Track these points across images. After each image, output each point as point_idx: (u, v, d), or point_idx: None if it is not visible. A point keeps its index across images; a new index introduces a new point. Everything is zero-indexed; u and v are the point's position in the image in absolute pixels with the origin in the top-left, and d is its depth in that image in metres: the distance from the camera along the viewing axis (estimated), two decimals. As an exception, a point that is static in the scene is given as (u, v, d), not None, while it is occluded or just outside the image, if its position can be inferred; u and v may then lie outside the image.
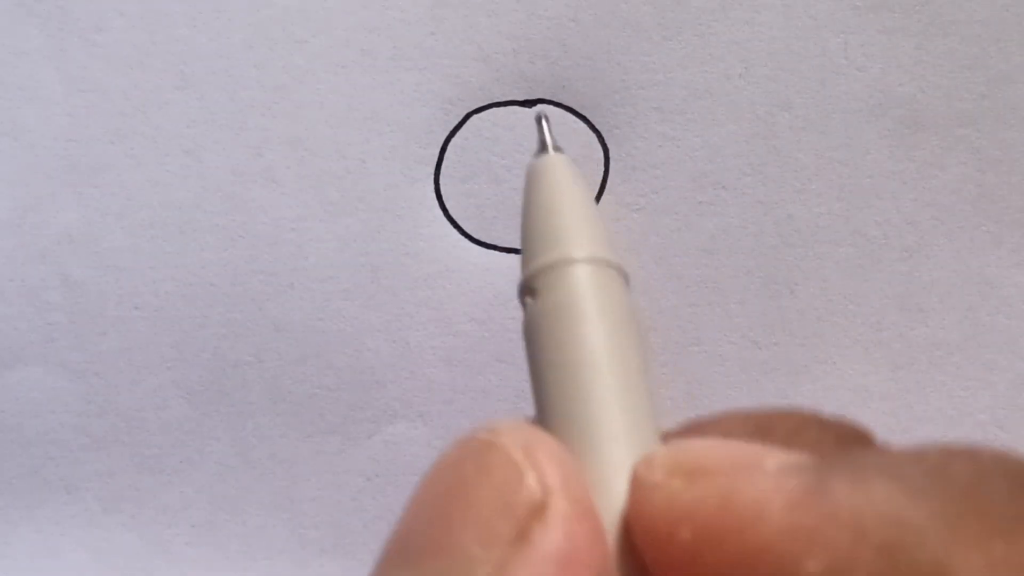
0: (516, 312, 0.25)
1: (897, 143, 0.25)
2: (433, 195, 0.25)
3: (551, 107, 0.24)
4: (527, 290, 0.18)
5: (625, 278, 0.18)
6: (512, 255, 0.25)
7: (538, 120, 0.20)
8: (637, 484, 0.14)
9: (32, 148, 0.25)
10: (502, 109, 0.25)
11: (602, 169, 0.25)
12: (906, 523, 0.12)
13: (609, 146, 0.25)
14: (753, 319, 0.25)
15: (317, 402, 0.25)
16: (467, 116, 0.25)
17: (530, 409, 0.26)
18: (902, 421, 0.25)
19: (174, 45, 0.24)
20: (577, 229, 0.18)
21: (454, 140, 0.25)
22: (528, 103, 0.24)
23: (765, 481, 0.13)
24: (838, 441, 0.14)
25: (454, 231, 0.25)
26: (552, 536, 0.13)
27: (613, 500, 0.14)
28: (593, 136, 0.25)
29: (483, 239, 0.25)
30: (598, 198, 0.25)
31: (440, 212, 0.25)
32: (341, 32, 0.24)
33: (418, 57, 0.24)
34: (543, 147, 0.20)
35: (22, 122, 0.25)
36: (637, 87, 0.24)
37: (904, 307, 0.25)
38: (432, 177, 0.25)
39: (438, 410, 0.25)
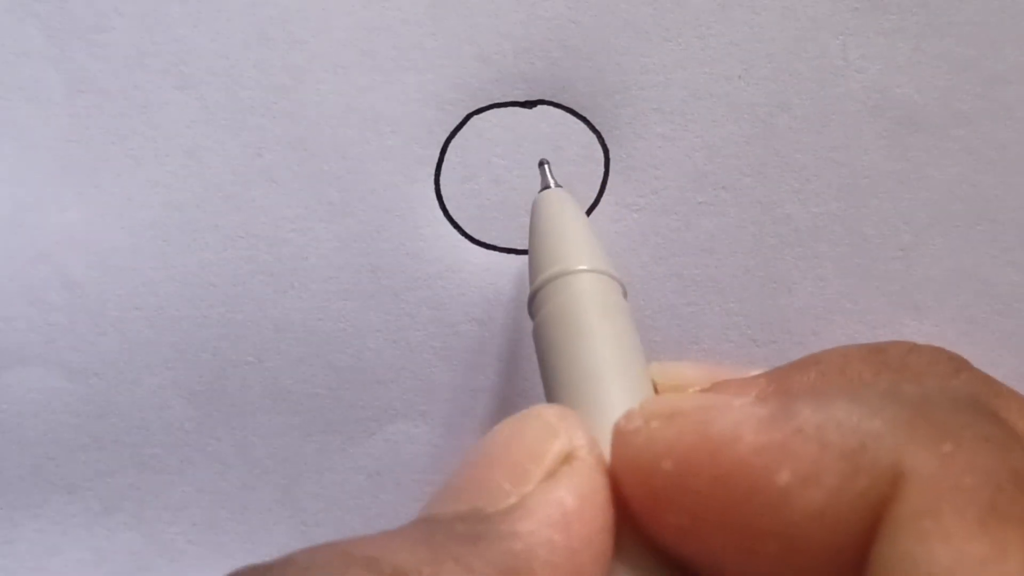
0: (516, 312, 0.25)
1: (894, 143, 0.25)
2: (433, 195, 0.25)
3: (551, 108, 0.25)
4: (535, 302, 0.20)
5: (623, 289, 0.20)
6: (512, 255, 0.25)
7: (540, 164, 0.24)
8: (618, 433, 0.15)
9: (32, 148, 0.25)
10: (502, 110, 0.25)
11: (602, 169, 0.25)
12: (865, 431, 0.13)
13: (609, 146, 0.25)
14: (752, 317, 0.25)
15: (318, 401, 0.25)
16: (467, 117, 0.25)
17: (528, 408, 0.26)
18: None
19: (174, 45, 0.24)
20: (579, 248, 0.21)
21: (454, 141, 0.25)
22: (528, 104, 0.25)
23: (736, 412, 0.14)
24: (945, 365, 0.15)
25: (454, 231, 0.25)
26: (576, 478, 0.14)
27: None
28: (593, 137, 0.25)
29: (483, 239, 0.25)
30: (598, 198, 0.25)
31: (440, 212, 0.25)
32: (341, 33, 0.24)
33: (418, 58, 0.24)
34: (546, 184, 0.23)
35: (22, 122, 0.24)
36: (637, 88, 0.24)
37: (900, 305, 0.26)
38: (432, 177, 0.25)
39: (439, 409, 0.26)
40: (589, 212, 0.25)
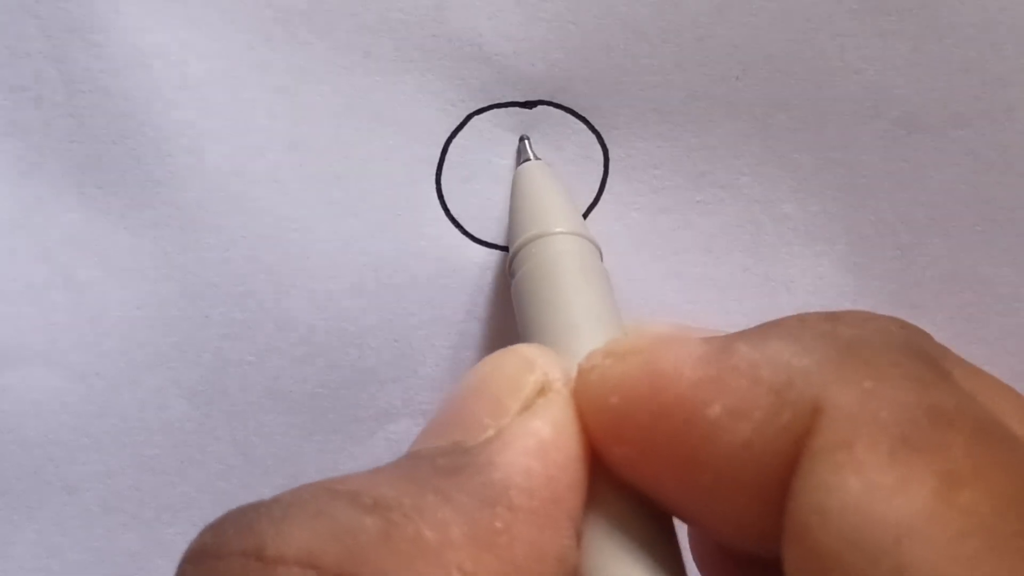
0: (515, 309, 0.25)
1: (892, 144, 0.25)
2: (435, 195, 0.25)
3: (551, 108, 0.25)
4: (515, 261, 0.21)
5: (599, 252, 0.22)
6: (513, 254, 0.26)
7: (521, 139, 0.25)
8: (578, 371, 0.16)
9: (35, 148, 0.25)
10: (503, 110, 0.25)
11: (602, 169, 0.25)
12: (794, 367, 0.14)
13: (608, 146, 0.25)
14: (751, 316, 0.26)
15: (319, 401, 0.26)
16: (468, 117, 0.25)
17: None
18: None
19: (176, 46, 0.24)
20: (557, 213, 0.22)
21: (455, 140, 0.25)
22: (528, 104, 0.25)
23: (682, 349, 0.15)
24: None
25: (455, 230, 0.25)
26: (551, 409, 0.15)
27: None
28: (593, 137, 0.25)
29: (484, 238, 0.25)
30: (598, 198, 0.25)
31: (442, 212, 0.25)
32: (343, 34, 0.24)
33: (419, 59, 0.24)
34: (526, 157, 0.24)
35: (25, 123, 0.25)
36: (636, 88, 0.25)
37: (899, 304, 0.26)
38: (434, 177, 0.25)
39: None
40: (589, 211, 0.25)
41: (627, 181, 0.25)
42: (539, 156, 0.24)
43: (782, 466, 0.13)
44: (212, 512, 0.25)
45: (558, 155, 0.25)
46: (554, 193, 0.23)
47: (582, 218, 0.23)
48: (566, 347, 0.18)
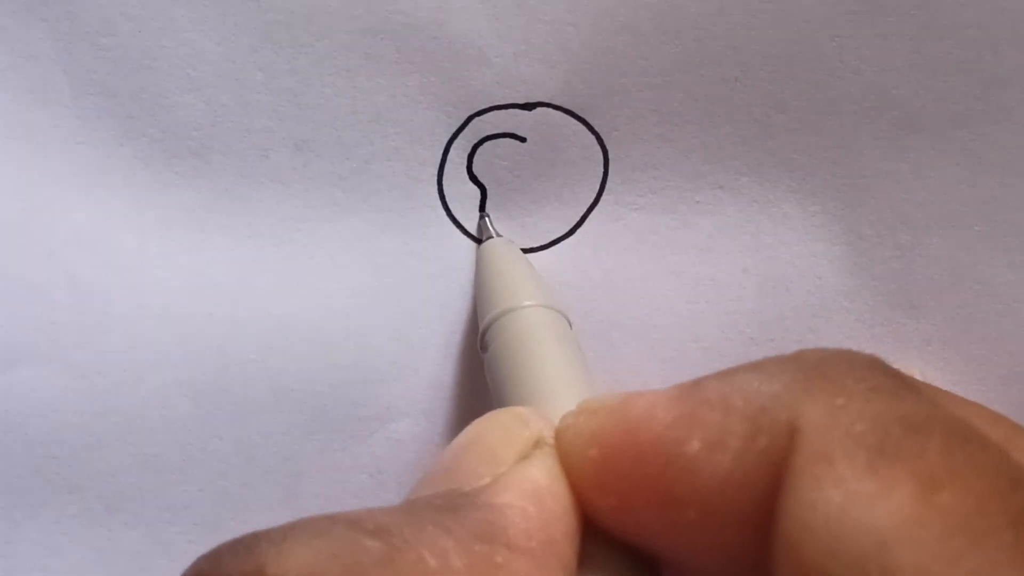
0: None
1: (891, 144, 0.25)
2: (436, 196, 0.25)
3: (551, 110, 0.25)
4: (487, 336, 0.22)
5: (568, 321, 0.22)
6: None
7: (481, 217, 0.25)
8: (556, 432, 0.16)
9: (41, 150, 0.25)
10: (503, 111, 0.25)
11: (601, 170, 0.25)
12: (764, 393, 0.14)
13: (608, 147, 0.25)
14: (750, 316, 0.26)
15: (320, 400, 0.26)
16: (469, 118, 0.25)
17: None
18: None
19: (181, 49, 0.24)
20: (524, 287, 0.23)
21: (456, 141, 0.25)
22: (528, 106, 0.25)
23: (650, 396, 0.15)
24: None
25: (457, 231, 0.25)
26: (546, 460, 0.15)
27: None
28: (592, 138, 0.25)
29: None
30: (597, 199, 0.26)
31: (443, 212, 0.25)
32: (345, 36, 0.24)
33: (421, 60, 0.25)
34: (488, 235, 0.25)
35: (32, 124, 0.25)
36: (636, 90, 0.25)
37: (897, 304, 0.26)
38: (435, 178, 0.25)
39: (441, 408, 0.26)
40: (588, 212, 0.26)
41: (627, 182, 0.25)
42: (500, 233, 0.25)
43: (764, 491, 0.14)
44: (214, 511, 0.26)
45: (558, 156, 0.25)
46: (519, 268, 0.24)
47: (548, 290, 0.23)
48: (543, 413, 0.18)
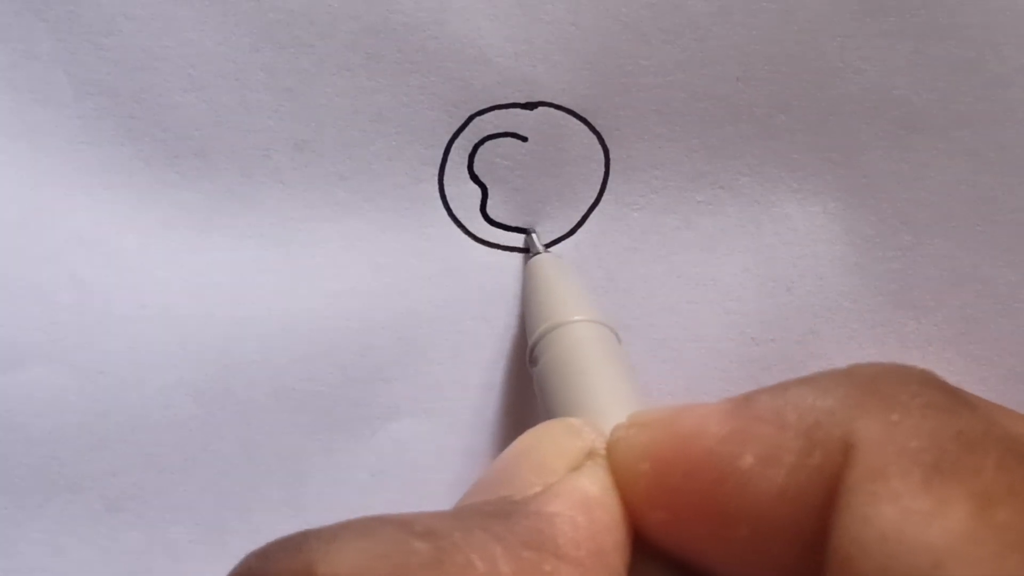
0: (519, 309, 0.26)
1: (893, 144, 0.25)
2: (438, 195, 0.25)
3: (552, 109, 0.25)
4: (535, 351, 0.22)
5: (616, 336, 0.22)
6: (515, 254, 0.26)
7: (528, 233, 0.26)
8: (607, 446, 0.16)
9: (43, 150, 0.25)
10: (504, 111, 0.25)
11: (603, 170, 0.25)
12: (819, 408, 0.14)
13: (609, 147, 0.25)
14: (751, 316, 0.26)
15: (323, 400, 0.26)
16: (470, 118, 0.25)
17: (531, 405, 0.26)
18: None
19: (183, 48, 0.24)
20: (573, 302, 0.23)
21: (457, 141, 0.25)
22: (530, 105, 0.25)
23: (702, 410, 0.15)
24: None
25: (458, 230, 0.26)
26: (598, 471, 0.15)
27: None
28: (594, 137, 0.25)
29: (486, 239, 0.26)
30: (598, 198, 0.26)
31: (444, 212, 0.25)
32: (346, 35, 0.24)
33: (422, 60, 0.25)
34: (535, 251, 0.25)
35: (33, 124, 0.25)
36: (637, 89, 0.25)
37: (899, 304, 0.26)
38: (436, 178, 0.25)
39: (443, 407, 0.26)
40: (589, 212, 0.26)
41: (628, 182, 0.25)
42: (548, 248, 0.25)
43: (817, 507, 0.13)
44: (216, 511, 0.26)
45: (559, 156, 0.25)
46: (568, 283, 0.24)
47: (598, 304, 0.23)
48: (594, 425, 0.18)
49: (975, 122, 0.25)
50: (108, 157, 0.25)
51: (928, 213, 0.25)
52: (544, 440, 0.16)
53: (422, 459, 0.26)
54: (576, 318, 0.22)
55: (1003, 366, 0.25)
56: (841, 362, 0.25)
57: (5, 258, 0.25)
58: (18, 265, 0.25)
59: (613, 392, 0.20)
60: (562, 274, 0.24)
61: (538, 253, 0.25)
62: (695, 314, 0.26)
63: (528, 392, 0.26)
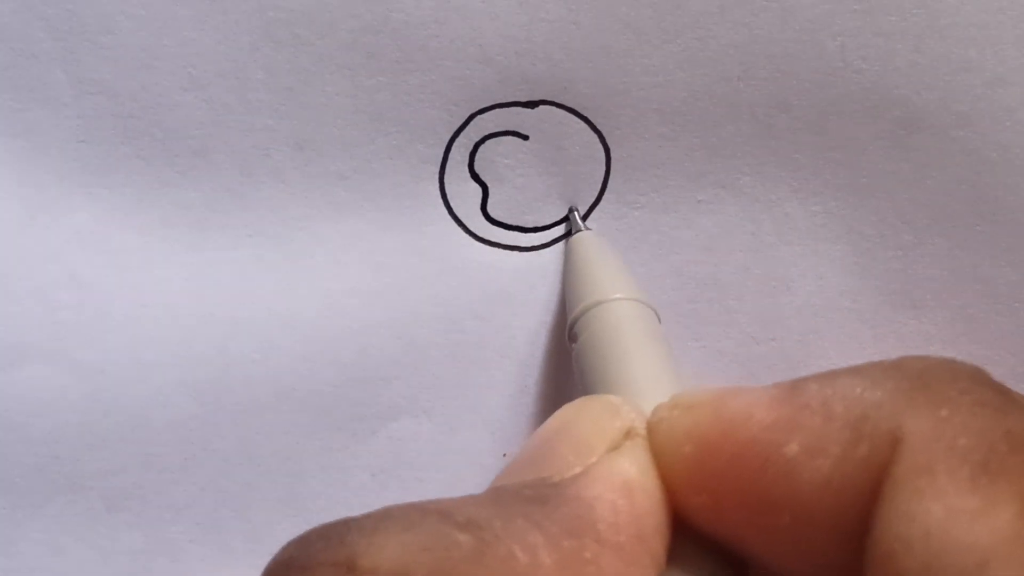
0: (519, 309, 0.26)
1: (893, 144, 0.25)
2: (438, 194, 0.25)
3: (553, 108, 0.25)
4: (575, 328, 0.22)
5: (656, 314, 0.22)
6: (515, 253, 0.26)
7: (570, 210, 0.25)
8: (648, 426, 0.16)
9: (43, 149, 0.25)
10: (505, 110, 0.25)
11: (603, 169, 0.25)
12: (867, 400, 0.14)
13: (610, 146, 0.25)
14: (751, 315, 0.26)
15: (322, 399, 0.26)
16: (471, 117, 0.25)
17: (531, 405, 0.26)
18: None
19: (182, 47, 0.24)
20: (614, 280, 0.23)
21: (458, 140, 0.25)
22: (530, 104, 0.25)
23: (748, 395, 0.15)
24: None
25: (458, 229, 0.26)
26: (638, 452, 0.15)
27: None
28: (594, 136, 0.25)
29: (487, 238, 0.26)
30: (599, 197, 0.26)
31: (445, 211, 0.25)
32: (346, 34, 0.24)
33: (422, 59, 0.25)
34: (578, 228, 0.25)
35: (33, 124, 0.25)
36: (637, 89, 0.25)
37: (899, 304, 0.26)
38: (437, 176, 0.25)
39: (443, 406, 0.26)
40: (590, 211, 0.26)
41: (629, 180, 0.25)
42: (589, 227, 0.25)
43: (861, 500, 0.13)
44: (215, 510, 0.26)
45: (560, 154, 0.25)
46: (609, 261, 0.24)
47: (639, 283, 0.23)
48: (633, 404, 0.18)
49: (975, 122, 0.25)
50: (107, 156, 0.25)
51: (928, 212, 0.25)
52: (583, 417, 0.16)
53: (421, 459, 0.26)
54: (617, 296, 0.22)
55: (1003, 366, 0.25)
56: (841, 362, 0.25)
57: (5, 257, 0.25)
58: (18, 264, 0.25)
59: (653, 372, 0.20)
60: (604, 252, 0.24)
61: (579, 231, 0.25)
62: (695, 313, 0.26)
63: (529, 391, 0.26)
